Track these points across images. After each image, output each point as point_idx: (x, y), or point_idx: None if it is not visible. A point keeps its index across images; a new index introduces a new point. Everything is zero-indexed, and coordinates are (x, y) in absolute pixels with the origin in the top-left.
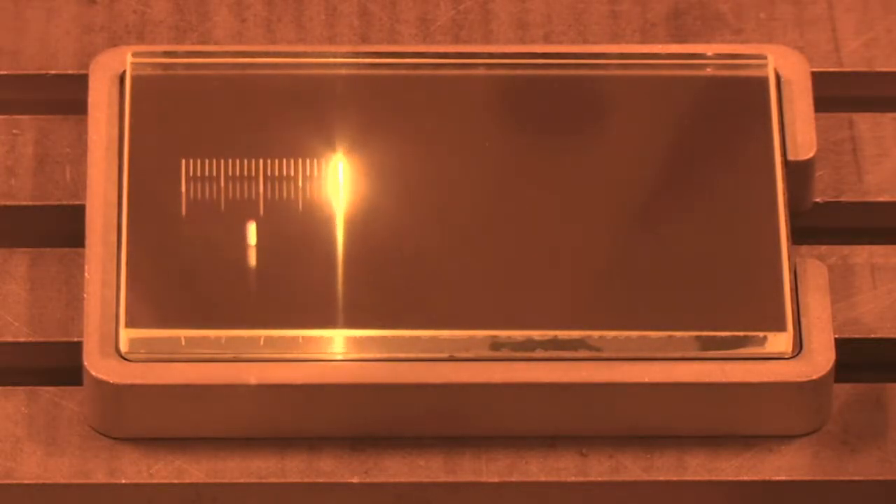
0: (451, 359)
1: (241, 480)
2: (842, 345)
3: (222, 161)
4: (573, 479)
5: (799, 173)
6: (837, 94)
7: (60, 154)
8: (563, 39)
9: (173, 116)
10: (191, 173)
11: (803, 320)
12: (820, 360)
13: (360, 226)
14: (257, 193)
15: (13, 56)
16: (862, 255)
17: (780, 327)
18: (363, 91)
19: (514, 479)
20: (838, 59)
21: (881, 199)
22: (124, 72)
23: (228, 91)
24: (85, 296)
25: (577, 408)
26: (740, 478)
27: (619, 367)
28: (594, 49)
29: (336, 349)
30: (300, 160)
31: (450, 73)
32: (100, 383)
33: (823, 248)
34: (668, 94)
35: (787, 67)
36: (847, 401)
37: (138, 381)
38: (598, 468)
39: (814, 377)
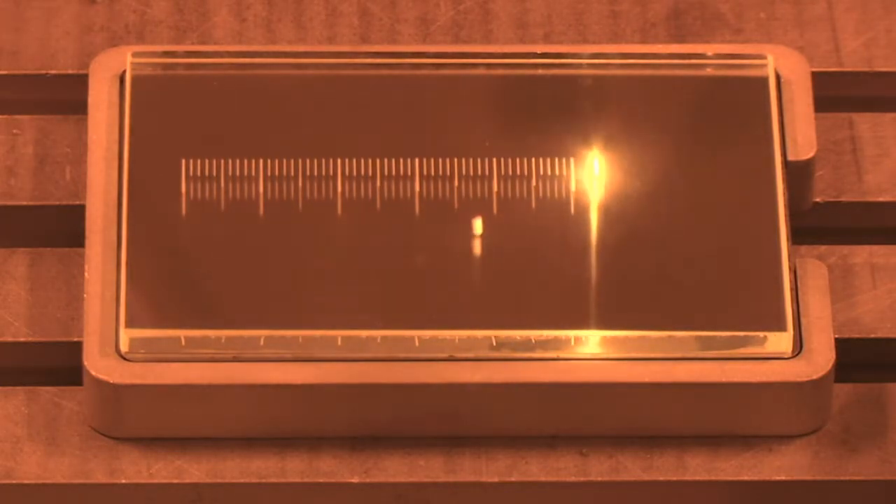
0: (451, 359)
1: (241, 480)
2: (842, 345)
3: (222, 161)
4: (573, 479)
5: (799, 173)
6: (837, 94)
7: (60, 154)
8: (563, 39)
9: (173, 116)
10: (191, 173)
11: (803, 320)
12: (820, 360)
13: (362, 226)
14: (257, 193)
15: (13, 56)
16: (862, 255)
17: (780, 327)
18: (363, 91)
19: (514, 479)
20: (838, 59)
21: (881, 199)
22: (124, 72)
23: (228, 91)
24: (85, 296)
25: (577, 408)
26: (740, 478)
27: (619, 367)
28: (594, 49)
29: (336, 349)
30: (300, 160)
31: (450, 73)
32: (100, 383)
33: (823, 248)
34: (668, 94)
35: (787, 67)
36: (847, 401)
37: (138, 381)
38: (598, 468)
39: (814, 377)
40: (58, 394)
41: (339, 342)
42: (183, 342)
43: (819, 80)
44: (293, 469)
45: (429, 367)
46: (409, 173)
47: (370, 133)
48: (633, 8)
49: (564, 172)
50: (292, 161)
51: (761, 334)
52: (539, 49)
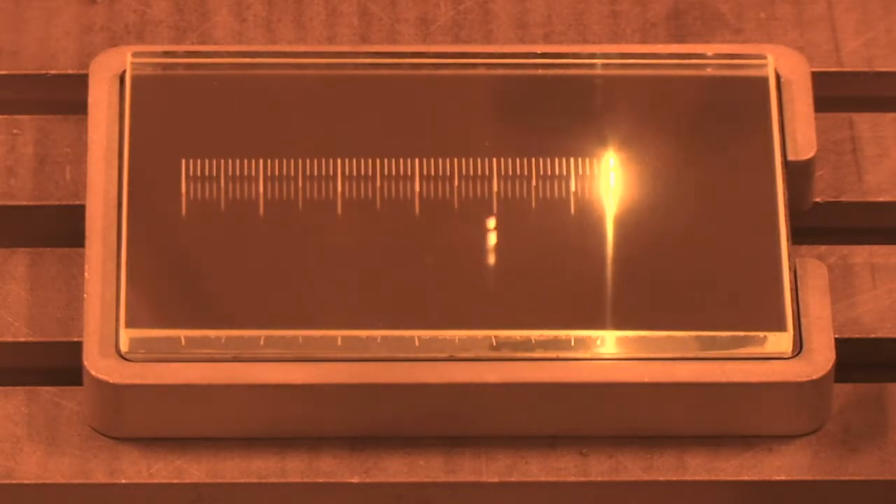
0: (451, 359)
1: (241, 480)
2: (842, 345)
3: (222, 161)
4: (573, 479)
5: (799, 173)
6: (837, 94)
7: (60, 154)
8: (563, 39)
9: (173, 116)
10: (191, 173)
11: (803, 320)
12: (820, 360)
13: (362, 226)
14: (257, 193)
15: (13, 56)
16: (862, 255)
17: (780, 327)
18: (363, 91)
19: (514, 479)
20: (838, 59)
21: (881, 199)
22: (124, 72)
23: (228, 91)
24: (85, 296)
25: (577, 408)
26: (740, 478)
27: (619, 367)
28: (594, 49)
29: (336, 349)
30: (300, 160)
31: (450, 73)
32: (100, 383)
33: (823, 248)
34: (668, 94)
35: (787, 67)
36: (847, 401)
37: (138, 381)
38: (598, 468)
39: (814, 377)
40: (58, 394)
41: (339, 342)
42: (183, 342)
43: (819, 80)
44: (293, 469)
45: (429, 367)
46: (409, 173)
47: (370, 133)
48: (633, 8)
49: (564, 172)
50: (292, 161)
51: (761, 334)
52: (539, 49)
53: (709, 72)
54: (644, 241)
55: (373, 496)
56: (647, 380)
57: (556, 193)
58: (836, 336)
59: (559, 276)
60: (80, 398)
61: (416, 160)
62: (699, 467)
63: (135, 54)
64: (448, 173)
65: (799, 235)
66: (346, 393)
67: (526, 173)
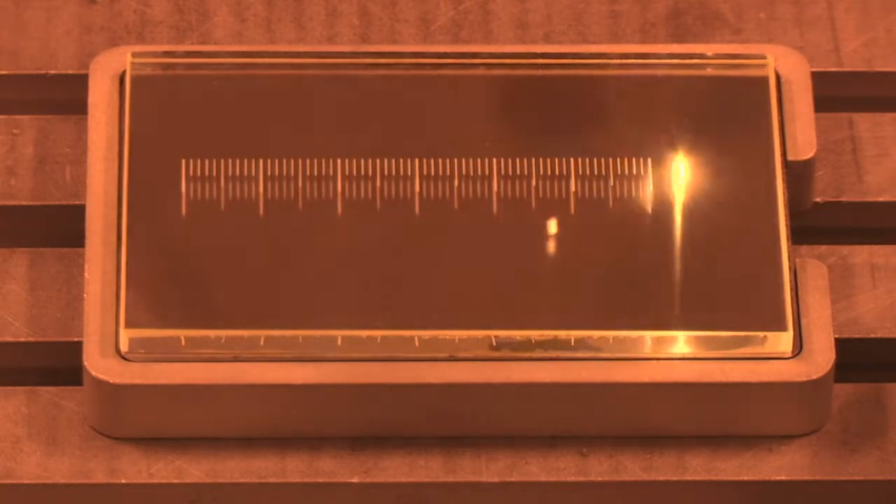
0: (451, 359)
1: (241, 480)
2: (842, 345)
3: (222, 161)
4: (573, 479)
5: (799, 173)
6: (837, 94)
7: (60, 154)
8: (563, 39)
9: (173, 116)
10: (191, 173)
11: (803, 320)
12: (820, 360)
13: (362, 226)
14: (257, 193)
15: (13, 56)
16: (862, 255)
17: (781, 327)
18: (363, 91)
19: (514, 479)
20: (838, 59)
21: (881, 199)
22: (124, 72)
23: (228, 91)
24: (85, 296)
25: (577, 408)
26: (740, 478)
27: (619, 367)
28: (594, 49)
29: (336, 349)
30: (300, 160)
31: (450, 73)
32: (100, 383)
33: (823, 248)
34: (668, 94)
35: (787, 67)
36: (847, 401)
37: (138, 381)
38: (598, 468)
39: (814, 377)
40: (58, 394)
41: (339, 342)
42: (183, 342)
43: (819, 80)
44: (293, 469)
45: (429, 367)
46: (409, 173)
47: (370, 133)
48: (633, 8)
49: (564, 172)
50: (292, 161)
51: (761, 334)
52: (539, 49)
53: (709, 72)
54: (644, 241)
55: (373, 496)
56: (647, 380)
57: (556, 193)
58: (836, 336)
59: (559, 276)
60: (80, 398)
61: (416, 160)
62: (699, 467)
63: (135, 54)
64: (448, 173)
65: (799, 235)
66: (346, 393)
67: (526, 173)
